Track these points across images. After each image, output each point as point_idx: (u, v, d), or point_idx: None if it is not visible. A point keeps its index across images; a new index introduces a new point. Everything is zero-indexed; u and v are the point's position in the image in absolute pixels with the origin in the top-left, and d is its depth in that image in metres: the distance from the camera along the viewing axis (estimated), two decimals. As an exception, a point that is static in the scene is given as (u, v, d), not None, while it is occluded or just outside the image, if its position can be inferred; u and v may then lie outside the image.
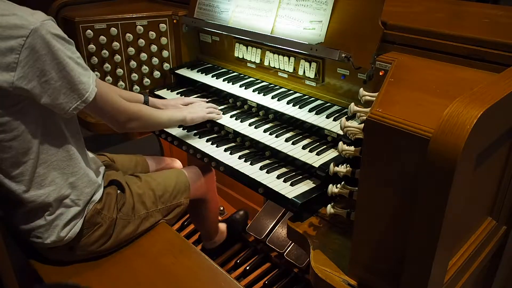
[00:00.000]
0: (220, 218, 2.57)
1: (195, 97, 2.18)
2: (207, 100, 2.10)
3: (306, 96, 1.95)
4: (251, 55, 2.11)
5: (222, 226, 2.40)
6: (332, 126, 1.71)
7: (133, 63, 2.32)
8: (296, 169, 1.69)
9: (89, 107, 1.43)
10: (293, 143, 1.74)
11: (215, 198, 2.20)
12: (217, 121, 1.95)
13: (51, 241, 1.51)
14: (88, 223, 1.56)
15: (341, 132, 1.48)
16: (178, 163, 2.26)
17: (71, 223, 1.52)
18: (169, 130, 2.01)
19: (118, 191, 1.68)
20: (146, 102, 1.97)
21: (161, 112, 1.83)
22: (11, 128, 1.36)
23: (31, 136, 1.40)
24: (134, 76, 2.34)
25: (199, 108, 1.94)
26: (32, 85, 1.30)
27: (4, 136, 1.36)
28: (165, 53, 2.36)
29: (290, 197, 1.52)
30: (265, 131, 1.85)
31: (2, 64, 1.26)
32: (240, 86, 2.08)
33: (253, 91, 2.02)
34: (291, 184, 1.59)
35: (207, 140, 1.93)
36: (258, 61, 2.11)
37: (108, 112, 1.52)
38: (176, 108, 1.98)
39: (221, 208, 2.62)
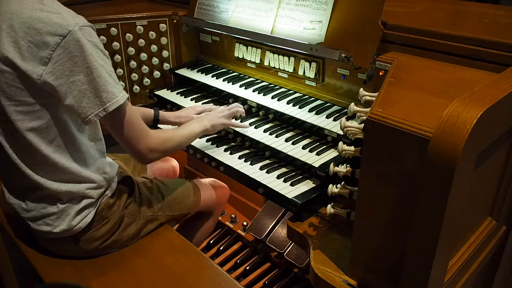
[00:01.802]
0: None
1: (196, 97, 2.18)
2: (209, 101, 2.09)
3: (306, 96, 1.95)
4: (251, 55, 2.12)
5: None
6: (332, 126, 1.71)
7: (133, 63, 2.32)
8: (296, 169, 1.69)
9: (111, 121, 1.42)
10: (293, 143, 1.74)
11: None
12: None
13: (60, 230, 1.51)
14: (99, 216, 1.57)
15: (341, 132, 1.48)
16: (173, 162, 2.24)
17: (83, 212, 1.53)
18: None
19: (130, 189, 1.69)
20: (156, 116, 1.94)
21: (181, 131, 1.71)
22: (30, 119, 1.40)
23: (45, 134, 1.43)
24: (134, 76, 2.34)
25: (219, 114, 1.85)
26: (59, 83, 1.33)
27: (21, 125, 1.40)
28: (165, 53, 2.36)
29: (290, 197, 1.52)
30: (265, 131, 1.85)
31: (37, 56, 1.32)
32: (240, 86, 2.08)
33: (253, 91, 2.02)
34: (291, 184, 1.59)
35: (207, 140, 1.93)
36: (258, 61, 2.11)
37: (130, 137, 1.46)
38: (190, 119, 1.90)
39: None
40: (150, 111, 1.95)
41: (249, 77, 2.16)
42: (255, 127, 1.88)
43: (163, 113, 1.97)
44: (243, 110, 1.93)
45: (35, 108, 1.38)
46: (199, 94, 2.22)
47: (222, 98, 2.14)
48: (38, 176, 1.47)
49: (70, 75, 1.33)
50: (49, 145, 1.44)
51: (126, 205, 1.65)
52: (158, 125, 2.00)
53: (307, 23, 1.81)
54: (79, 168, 1.50)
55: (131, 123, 1.45)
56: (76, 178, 1.50)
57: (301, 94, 1.97)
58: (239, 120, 1.92)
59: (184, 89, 2.29)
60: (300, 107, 1.85)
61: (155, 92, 2.29)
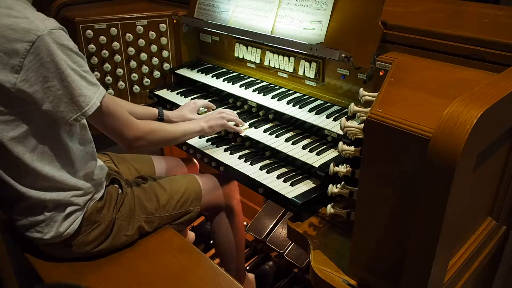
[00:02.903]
0: None
1: (196, 97, 2.18)
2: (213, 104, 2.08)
3: (306, 96, 1.95)
4: (251, 55, 2.11)
5: (251, 276, 2.23)
6: (332, 126, 1.71)
7: (133, 63, 2.31)
8: (296, 169, 1.69)
9: (93, 120, 1.43)
10: (293, 143, 1.74)
11: (239, 211, 2.04)
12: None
13: (50, 237, 1.51)
14: (87, 221, 1.56)
15: (341, 132, 1.48)
16: (193, 164, 2.18)
17: (70, 218, 1.52)
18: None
19: (119, 191, 1.67)
20: (160, 115, 1.94)
21: (175, 127, 1.73)
22: (10, 129, 1.38)
23: (27, 142, 1.41)
24: (134, 76, 2.34)
25: (217, 116, 1.84)
26: (34, 89, 1.31)
27: (2, 135, 1.38)
28: (165, 53, 2.36)
29: (290, 197, 1.52)
30: (265, 131, 1.85)
31: (8, 64, 1.29)
32: (240, 86, 2.08)
33: (253, 91, 2.02)
34: (291, 184, 1.59)
35: (207, 140, 1.93)
36: (258, 61, 2.11)
37: (114, 129, 1.49)
38: (190, 118, 1.92)
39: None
40: (154, 110, 1.95)
41: (249, 77, 2.16)
42: (255, 127, 1.88)
43: (166, 113, 1.97)
44: (242, 127, 1.89)
45: (13, 117, 1.37)
46: (199, 94, 2.22)
47: (222, 98, 2.14)
48: (21, 185, 1.46)
49: (44, 81, 1.31)
50: (32, 153, 1.42)
51: (118, 207, 1.64)
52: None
53: (307, 23, 1.81)
54: (64, 176, 1.49)
55: (113, 116, 1.47)
56: (61, 186, 1.49)
57: (301, 94, 1.97)
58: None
59: (184, 89, 2.29)
60: (300, 107, 1.84)
61: (155, 92, 2.29)
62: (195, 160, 2.19)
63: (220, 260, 2.12)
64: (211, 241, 2.46)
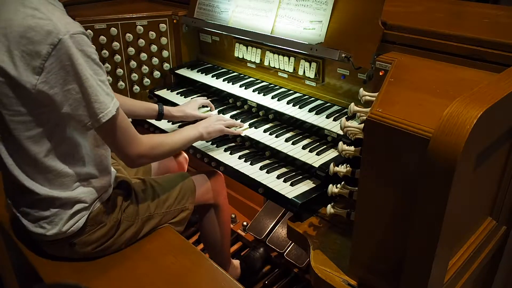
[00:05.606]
0: (232, 226, 2.50)
1: (196, 97, 2.18)
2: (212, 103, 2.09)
3: (306, 96, 1.95)
4: (251, 55, 2.12)
5: (236, 262, 2.29)
6: (332, 126, 1.71)
7: (133, 63, 2.32)
8: (296, 169, 1.69)
9: (103, 130, 1.42)
10: (293, 143, 1.74)
11: (226, 206, 2.07)
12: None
13: (53, 233, 1.51)
14: (93, 221, 1.57)
15: (341, 132, 1.48)
16: (181, 158, 2.20)
17: (76, 217, 1.53)
18: (169, 130, 2.02)
19: (126, 193, 1.68)
20: (161, 111, 1.96)
21: (175, 138, 1.71)
22: (26, 128, 1.39)
23: (42, 143, 1.42)
24: (134, 76, 2.34)
25: (215, 122, 1.85)
26: (54, 92, 1.32)
27: (19, 134, 1.39)
28: (165, 53, 2.36)
29: (290, 197, 1.52)
30: (265, 131, 1.85)
31: (30, 65, 1.30)
32: (240, 86, 2.08)
33: (253, 91, 2.02)
34: (291, 184, 1.59)
35: (207, 140, 1.92)
36: (258, 61, 2.11)
37: (120, 142, 1.47)
38: (191, 114, 1.96)
39: (233, 216, 2.57)
40: (155, 106, 1.96)
41: (249, 77, 2.16)
42: (255, 127, 1.88)
43: (167, 108, 1.98)
44: (240, 128, 1.90)
45: (30, 118, 1.38)
46: (199, 94, 2.22)
47: (222, 98, 2.14)
48: (32, 181, 1.47)
49: (64, 84, 1.31)
50: (47, 153, 1.43)
51: (124, 208, 1.65)
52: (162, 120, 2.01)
53: (307, 23, 1.81)
54: (75, 175, 1.50)
55: (122, 131, 1.45)
56: (71, 185, 1.50)
57: (301, 94, 1.97)
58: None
59: (184, 89, 2.30)
60: (300, 107, 1.85)
61: (155, 92, 2.29)
62: (184, 153, 2.20)
63: (207, 252, 2.16)
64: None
